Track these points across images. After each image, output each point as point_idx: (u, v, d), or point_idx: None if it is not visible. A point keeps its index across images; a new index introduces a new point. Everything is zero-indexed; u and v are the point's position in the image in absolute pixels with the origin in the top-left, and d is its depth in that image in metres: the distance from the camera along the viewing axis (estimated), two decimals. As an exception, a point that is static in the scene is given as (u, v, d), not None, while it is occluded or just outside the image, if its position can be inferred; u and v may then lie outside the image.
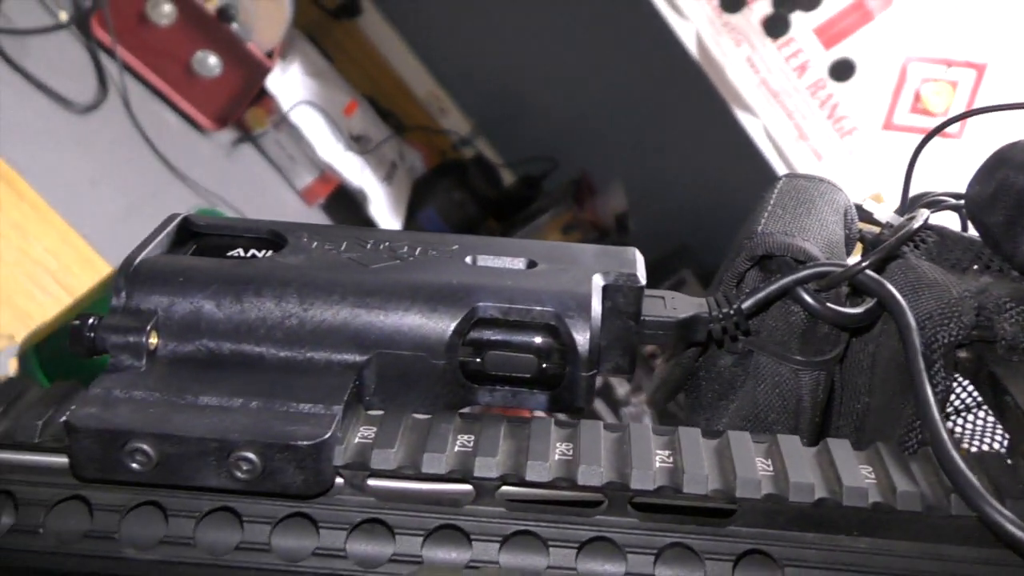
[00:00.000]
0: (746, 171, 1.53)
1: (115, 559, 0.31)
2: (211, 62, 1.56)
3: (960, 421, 0.40)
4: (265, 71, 1.60)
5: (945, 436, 0.30)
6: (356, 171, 1.80)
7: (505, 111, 2.09)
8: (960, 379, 0.36)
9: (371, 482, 0.32)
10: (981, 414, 0.36)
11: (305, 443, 0.30)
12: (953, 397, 0.36)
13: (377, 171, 1.85)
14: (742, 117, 1.55)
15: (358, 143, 1.84)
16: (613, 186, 2.00)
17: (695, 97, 1.64)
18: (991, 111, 0.43)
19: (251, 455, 0.30)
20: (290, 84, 1.72)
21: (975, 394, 0.38)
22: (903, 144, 1.51)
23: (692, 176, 1.98)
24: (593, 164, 2.07)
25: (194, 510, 0.31)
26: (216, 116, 1.62)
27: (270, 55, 1.62)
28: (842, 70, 1.49)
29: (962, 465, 0.30)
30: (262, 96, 1.68)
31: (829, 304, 0.38)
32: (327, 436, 0.30)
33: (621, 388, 1.76)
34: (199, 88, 1.58)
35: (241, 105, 1.63)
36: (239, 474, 0.30)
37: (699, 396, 0.43)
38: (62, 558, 0.31)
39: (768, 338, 0.40)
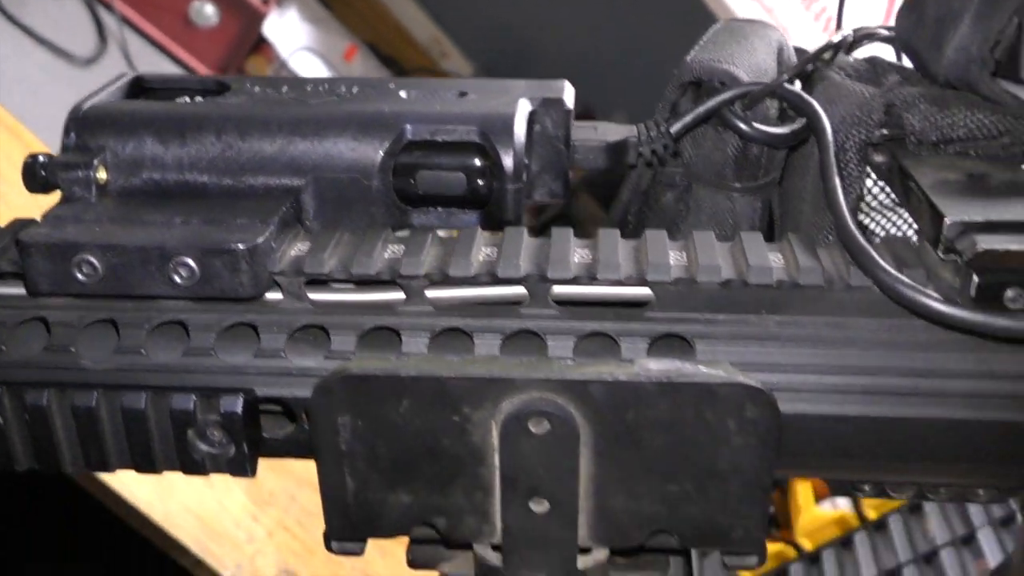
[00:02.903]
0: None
1: (73, 369, 0.33)
2: (208, 11, 1.58)
3: (876, 217, 0.40)
4: (261, 17, 1.61)
5: (847, 214, 0.32)
6: (359, 116, 1.82)
7: (506, 52, 2.09)
8: (876, 179, 0.37)
9: (310, 294, 0.34)
10: (895, 217, 0.37)
11: (239, 247, 0.32)
12: (870, 198, 0.38)
13: (380, 116, 1.86)
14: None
15: (360, 89, 1.85)
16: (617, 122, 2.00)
17: (698, 28, 1.63)
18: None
19: (189, 260, 0.32)
20: (289, 31, 1.74)
21: (892, 195, 0.39)
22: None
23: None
24: (596, 101, 2.07)
25: (144, 322, 0.33)
26: (216, 65, 1.64)
27: (266, 1, 1.63)
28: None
29: (859, 236, 0.31)
30: (261, 44, 1.70)
31: (757, 124, 0.39)
32: (259, 240, 0.32)
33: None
34: (198, 38, 1.59)
35: (240, 53, 1.65)
36: (179, 280, 0.32)
37: (645, 234, 0.45)
38: (24, 370, 0.33)
39: (704, 169, 0.42)
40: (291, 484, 1.22)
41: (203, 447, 0.33)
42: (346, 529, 0.34)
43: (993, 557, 1.34)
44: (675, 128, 0.39)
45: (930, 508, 1.37)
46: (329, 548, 0.35)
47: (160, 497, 1.12)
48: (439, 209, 0.37)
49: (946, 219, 0.30)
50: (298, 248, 0.34)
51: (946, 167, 0.34)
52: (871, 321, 0.32)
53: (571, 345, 0.32)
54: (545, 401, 0.30)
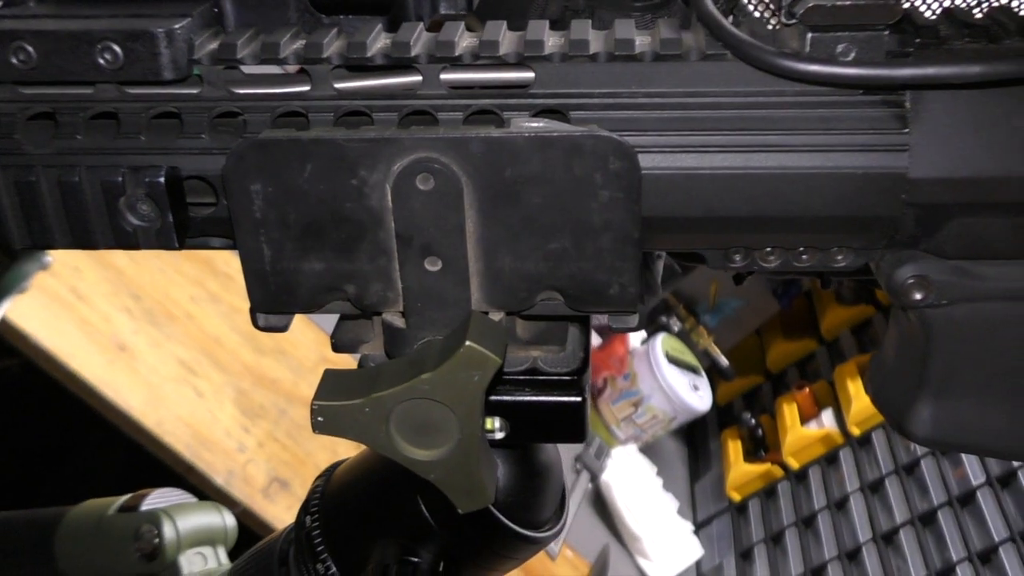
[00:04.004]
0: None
1: (16, 154, 0.37)
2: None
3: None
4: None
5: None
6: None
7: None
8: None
9: (230, 87, 0.37)
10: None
11: (158, 30, 0.35)
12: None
13: None
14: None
15: None
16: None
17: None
18: None
19: (113, 45, 0.35)
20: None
21: None
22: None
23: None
24: None
25: (79, 112, 0.37)
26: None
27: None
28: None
29: (714, 9, 0.35)
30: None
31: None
32: (176, 27, 0.36)
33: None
34: None
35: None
36: (104, 63, 0.36)
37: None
38: None
39: (606, -9, 0.45)
40: (280, 400, 1.27)
41: (134, 220, 0.37)
42: (267, 300, 0.38)
43: (970, 465, 1.39)
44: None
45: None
46: (256, 325, 0.39)
47: (153, 406, 1.17)
48: (349, 17, 0.40)
49: (786, -16, 0.34)
50: (217, 42, 0.38)
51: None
52: (727, 87, 0.35)
53: (460, 119, 0.36)
54: (430, 159, 0.34)
